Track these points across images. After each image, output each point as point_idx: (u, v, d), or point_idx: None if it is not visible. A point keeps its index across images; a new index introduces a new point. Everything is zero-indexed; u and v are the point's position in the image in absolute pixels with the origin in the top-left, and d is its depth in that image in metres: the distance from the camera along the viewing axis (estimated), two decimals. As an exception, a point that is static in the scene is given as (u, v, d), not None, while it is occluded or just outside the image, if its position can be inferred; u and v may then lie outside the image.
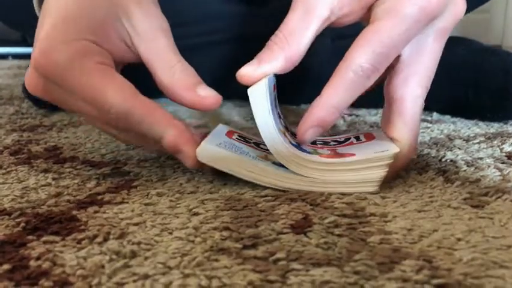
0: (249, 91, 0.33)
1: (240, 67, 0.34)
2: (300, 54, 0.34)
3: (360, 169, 0.34)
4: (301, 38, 0.34)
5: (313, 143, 0.39)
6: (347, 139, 0.40)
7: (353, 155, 0.35)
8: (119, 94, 0.32)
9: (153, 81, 0.36)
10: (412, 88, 0.36)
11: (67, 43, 0.33)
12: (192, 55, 0.67)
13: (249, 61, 0.34)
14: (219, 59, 0.58)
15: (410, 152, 0.36)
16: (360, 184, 0.34)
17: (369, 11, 0.35)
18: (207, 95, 0.36)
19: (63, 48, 0.32)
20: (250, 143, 0.38)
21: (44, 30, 0.33)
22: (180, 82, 0.35)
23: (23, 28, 0.84)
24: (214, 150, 0.34)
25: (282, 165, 0.34)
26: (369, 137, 0.39)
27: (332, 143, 0.39)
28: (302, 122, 0.34)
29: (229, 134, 0.39)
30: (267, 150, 0.35)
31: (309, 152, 0.35)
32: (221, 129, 0.39)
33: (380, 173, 0.34)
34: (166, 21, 0.37)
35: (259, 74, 0.34)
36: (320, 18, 0.34)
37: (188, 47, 0.67)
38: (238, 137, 0.38)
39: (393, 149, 0.35)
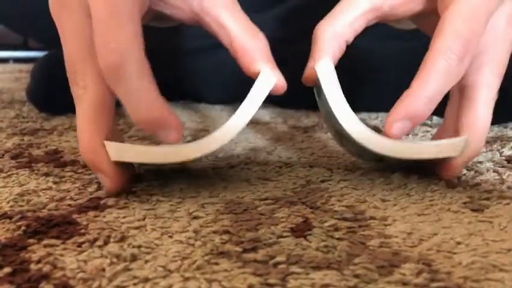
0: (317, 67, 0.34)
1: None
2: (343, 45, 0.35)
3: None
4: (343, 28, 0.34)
5: None
6: None
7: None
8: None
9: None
10: (486, 76, 0.35)
11: None
12: (197, 58, 0.67)
13: None
14: (223, 62, 0.58)
15: (479, 142, 0.35)
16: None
17: (430, 2, 0.34)
18: (280, 78, 0.34)
19: None
20: None
21: None
22: (263, 51, 0.34)
23: (25, 31, 0.84)
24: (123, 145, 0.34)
25: None
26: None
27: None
28: (390, 114, 0.33)
29: None
30: None
31: None
32: None
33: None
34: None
35: (317, 68, 0.34)
36: (364, 6, 0.34)
37: (192, 50, 0.68)
38: None
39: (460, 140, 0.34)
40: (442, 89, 0.32)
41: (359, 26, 0.35)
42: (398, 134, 0.32)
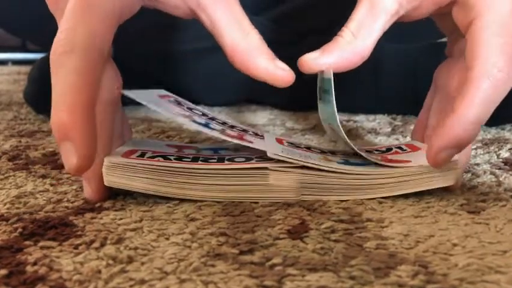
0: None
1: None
2: (368, 49, 0.33)
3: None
4: (369, 32, 0.32)
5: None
6: (389, 149, 0.39)
7: (409, 161, 0.35)
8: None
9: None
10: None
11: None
12: (196, 59, 0.67)
13: None
14: (223, 64, 0.58)
15: (469, 150, 0.34)
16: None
17: (445, 7, 0.33)
18: (283, 67, 0.33)
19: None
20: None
21: None
22: (257, 48, 0.33)
23: (23, 34, 0.84)
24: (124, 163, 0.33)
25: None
26: (413, 147, 0.38)
27: (376, 152, 0.39)
28: (434, 142, 0.31)
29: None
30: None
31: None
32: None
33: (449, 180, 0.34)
34: None
35: (320, 63, 0.33)
36: (388, 11, 0.32)
37: (192, 51, 0.68)
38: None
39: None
40: (488, 112, 0.31)
41: (380, 33, 0.34)
42: (443, 163, 0.32)
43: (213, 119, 0.37)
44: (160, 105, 0.33)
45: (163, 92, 0.37)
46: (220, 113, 0.67)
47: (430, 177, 0.34)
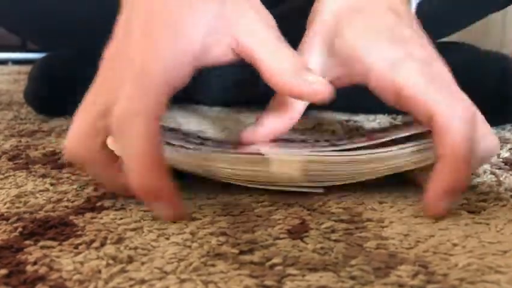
0: None
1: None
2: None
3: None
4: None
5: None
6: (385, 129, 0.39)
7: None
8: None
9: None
10: None
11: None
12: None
13: None
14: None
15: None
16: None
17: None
18: (315, 81, 0.32)
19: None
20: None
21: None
22: (287, 68, 0.32)
23: (23, 33, 0.84)
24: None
25: None
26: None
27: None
28: (429, 191, 0.31)
29: None
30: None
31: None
32: None
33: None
34: (272, 18, 0.35)
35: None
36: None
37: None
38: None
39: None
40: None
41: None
42: (443, 212, 0.31)
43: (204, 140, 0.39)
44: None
45: None
46: (220, 113, 0.67)
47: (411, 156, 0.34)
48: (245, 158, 0.34)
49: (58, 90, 0.63)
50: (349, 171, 0.34)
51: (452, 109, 0.31)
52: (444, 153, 0.31)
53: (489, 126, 0.33)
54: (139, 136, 0.29)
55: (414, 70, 0.33)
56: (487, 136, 0.33)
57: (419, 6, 0.41)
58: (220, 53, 0.33)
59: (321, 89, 0.32)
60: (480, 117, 0.33)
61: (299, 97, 0.33)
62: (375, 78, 0.34)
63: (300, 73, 0.33)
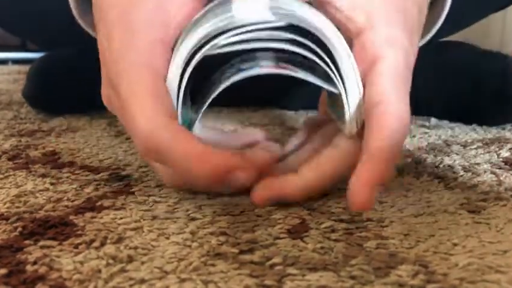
0: None
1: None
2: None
3: None
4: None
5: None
6: None
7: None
8: (146, 115, 0.29)
9: None
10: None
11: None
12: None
13: None
14: None
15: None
16: None
17: None
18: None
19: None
20: None
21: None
22: None
23: (23, 34, 0.84)
24: None
25: None
26: None
27: None
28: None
29: None
30: None
31: None
32: None
33: None
34: None
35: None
36: None
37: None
38: None
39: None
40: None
41: None
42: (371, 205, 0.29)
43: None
44: None
45: None
46: (219, 113, 0.67)
47: None
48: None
49: (57, 89, 0.63)
50: None
51: (401, 110, 0.30)
52: (377, 147, 0.29)
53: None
54: (171, 150, 0.28)
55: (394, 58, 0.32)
56: None
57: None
58: None
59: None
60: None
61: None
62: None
63: None
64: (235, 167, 0.28)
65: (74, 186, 0.37)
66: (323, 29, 0.31)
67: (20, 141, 0.51)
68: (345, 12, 0.32)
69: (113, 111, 0.34)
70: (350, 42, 0.33)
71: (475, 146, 0.48)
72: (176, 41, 0.32)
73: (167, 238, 0.29)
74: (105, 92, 0.34)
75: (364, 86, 0.32)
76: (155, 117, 0.29)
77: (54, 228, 0.30)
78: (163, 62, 0.31)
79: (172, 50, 0.32)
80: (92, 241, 0.28)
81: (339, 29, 0.32)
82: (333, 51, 0.31)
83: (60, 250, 0.27)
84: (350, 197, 0.28)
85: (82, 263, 0.26)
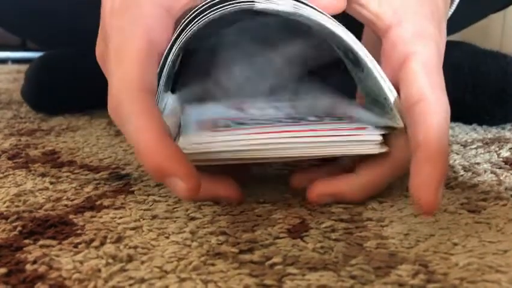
0: None
1: None
2: None
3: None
4: None
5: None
6: (341, 118, 0.37)
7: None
8: (125, 79, 0.28)
9: None
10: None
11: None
12: (196, 57, 0.67)
13: None
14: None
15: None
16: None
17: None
18: None
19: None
20: None
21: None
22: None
23: (23, 33, 0.84)
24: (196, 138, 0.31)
25: None
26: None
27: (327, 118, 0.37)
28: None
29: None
30: None
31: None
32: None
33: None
34: None
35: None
36: None
37: (192, 51, 0.67)
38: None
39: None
40: None
41: None
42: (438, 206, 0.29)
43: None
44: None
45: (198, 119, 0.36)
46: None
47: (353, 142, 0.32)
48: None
49: (55, 89, 0.63)
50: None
51: (442, 104, 0.30)
52: (432, 146, 0.29)
53: None
54: (132, 112, 0.27)
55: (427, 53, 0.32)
56: None
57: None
58: None
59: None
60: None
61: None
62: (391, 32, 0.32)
63: None
64: (178, 174, 0.26)
65: (74, 185, 0.37)
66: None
67: (20, 140, 0.51)
68: (371, 9, 0.32)
69: (102, 66, 0.32)
70: (380, 41, 0.33)
71: (475, 146, 0.48)
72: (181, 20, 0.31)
73: (167, 237, 0.29)
74: (99, 46, 0.33)
75: (398, 84, 0.32)
76: (130, 83, 0.28)
77: (54, 227, 0.30)
78: (161, 32, 0.30)
79: (176, 25, 0.31)
80: (92, 240, 0.28)
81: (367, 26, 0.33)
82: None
83: (60, 249, 0.27)
84: (418, 200, 0.27)
85: (81, 262, 0.26)
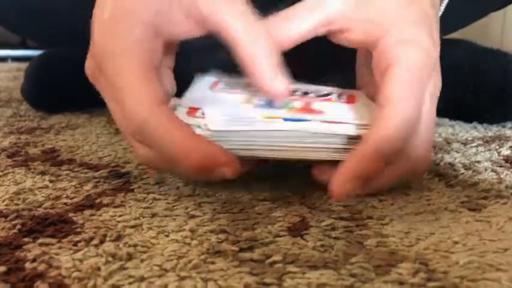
0: None
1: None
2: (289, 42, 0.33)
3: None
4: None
5: (294, 91, 0.37)
6: (328, 94, 0.38)
7: (321, 112, 0.34)
8: (142, 100, 0.29)
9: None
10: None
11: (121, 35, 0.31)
12: (196, 57, 0.67)
13: None
14: (224, 61, 0.58)
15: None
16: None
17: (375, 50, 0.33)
18: (280, 83, 0.31)
19: (114, 41, 0.31)
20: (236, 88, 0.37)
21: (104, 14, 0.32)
22: (263, 57, 0.31)
23: (23, 31, 0.84)
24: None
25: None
26: (351, 99, 0.37)
27: (312, 94, 0.38)
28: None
29: (214, 85, 0.38)
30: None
31: (280, 107, 0.34)
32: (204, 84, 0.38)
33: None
34: None
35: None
36: (321, 16, 0.33)
37: (193, 50, 0.67)
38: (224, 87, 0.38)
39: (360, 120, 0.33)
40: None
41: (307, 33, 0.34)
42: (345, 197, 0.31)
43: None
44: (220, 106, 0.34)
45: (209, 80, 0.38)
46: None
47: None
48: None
49: (55, 87, 0.63)
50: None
51: (405, 111, 0.31)
52: (365, 146, 0.30)
53: (431, 142, 0.34)
54: (160, 129, 0.29)
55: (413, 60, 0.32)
56: (423, 149, 0.33)
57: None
58: None
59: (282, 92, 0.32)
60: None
61: (264, 89, 0.32)
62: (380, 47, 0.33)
63: (274, 71, 0.31)
64: (222, 163, 0.29)
65: (73, 183, 0.37)
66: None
67: (19, 138, 0.51)
68: (357, 34, 0.34)
69: (94, 83, 0.33)
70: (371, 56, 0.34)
71: (475, 144, 0.48)
72: None
73: (167, 236, 0.28)
74: (89, 65, 0.33)
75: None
76: (148, 102, 0.29)
77: (54, 225, 0.30)
78: (153, 47, 0.31)
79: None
80: (92, 239, 0.28)
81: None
82: None
83: (60, 247, 0.27)
84: (329, 186, 0.30)
85: (81, 260, 0.26)
